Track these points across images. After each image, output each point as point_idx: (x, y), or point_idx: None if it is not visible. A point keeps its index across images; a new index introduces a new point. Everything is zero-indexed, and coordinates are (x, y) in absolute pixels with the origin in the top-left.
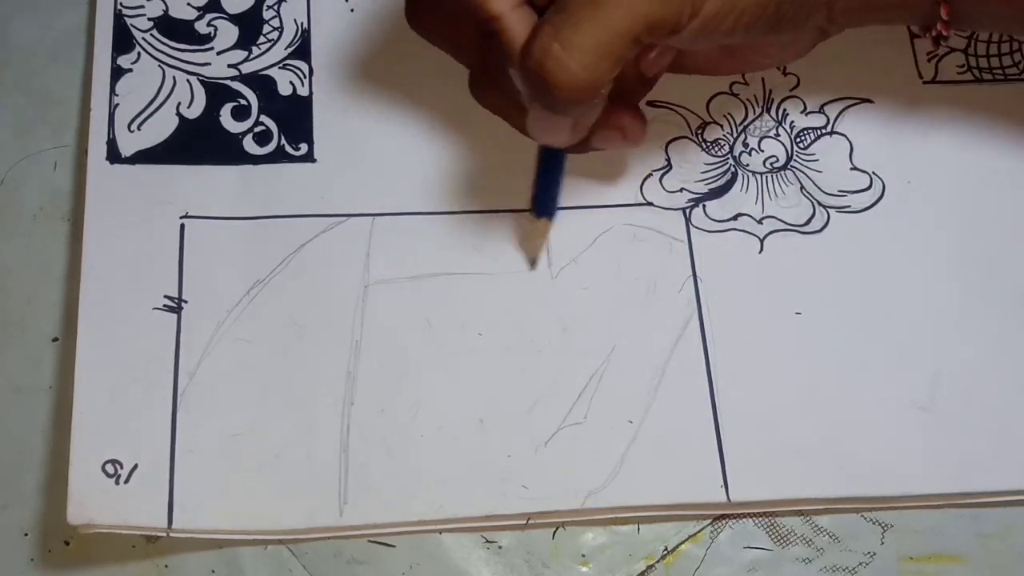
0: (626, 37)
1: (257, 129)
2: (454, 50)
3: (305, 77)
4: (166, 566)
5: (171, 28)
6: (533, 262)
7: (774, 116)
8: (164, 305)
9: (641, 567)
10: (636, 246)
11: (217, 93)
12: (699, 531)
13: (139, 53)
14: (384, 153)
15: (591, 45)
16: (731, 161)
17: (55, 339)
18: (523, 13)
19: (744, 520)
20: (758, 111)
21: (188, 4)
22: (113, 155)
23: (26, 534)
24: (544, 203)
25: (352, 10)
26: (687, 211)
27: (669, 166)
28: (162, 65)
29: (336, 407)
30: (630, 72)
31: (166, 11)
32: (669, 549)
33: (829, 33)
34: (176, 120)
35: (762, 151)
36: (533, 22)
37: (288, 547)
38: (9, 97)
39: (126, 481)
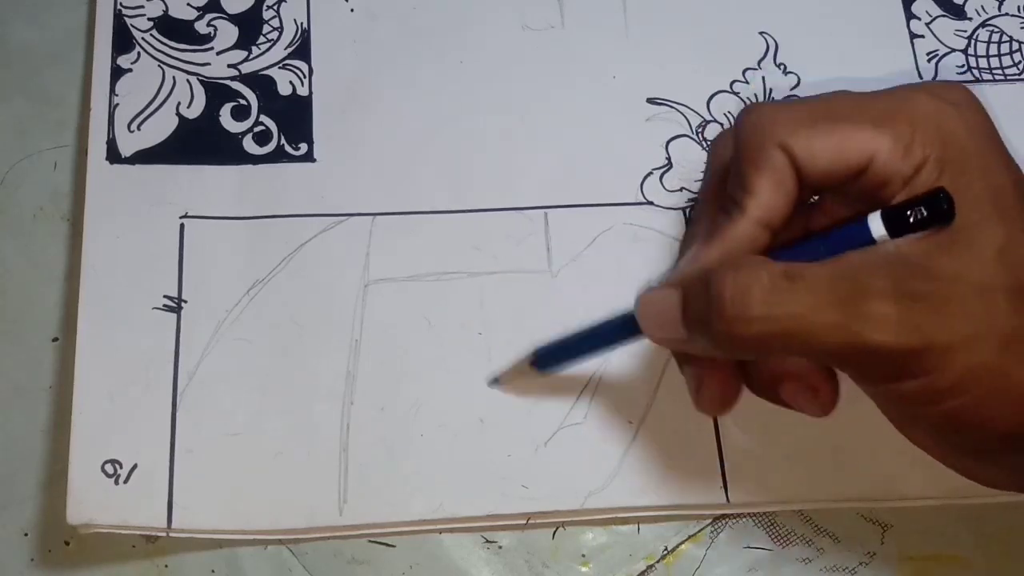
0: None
1: (257, 129)
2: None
3: (305, 77)
4: (166, 566)
5: (171, 28)
6: (495, 382)
7: None
8: (164, 305)
9: (641, 567)
10: (636, 246)
11: (217, 93)
12: (699, 531)
13: (139, 53)
14: (384, 153)
15: (784, 315)
16: None
17: (55, 339)
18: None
19: (744, 520)
20: None
21: (188, 4)
22: (113, 155)
23: (26, 534)
24: (556, 363)
25: (352, 10)
26: (687, 211)
27: (669, 165)
28: (162, 65)
29: (336, 406)
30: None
31: (166, 11)
32: (669, 549)
33: None
34: (176, 120)
35: None
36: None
37: (288, 547)
38: (9, 97)
39: (126, 481)
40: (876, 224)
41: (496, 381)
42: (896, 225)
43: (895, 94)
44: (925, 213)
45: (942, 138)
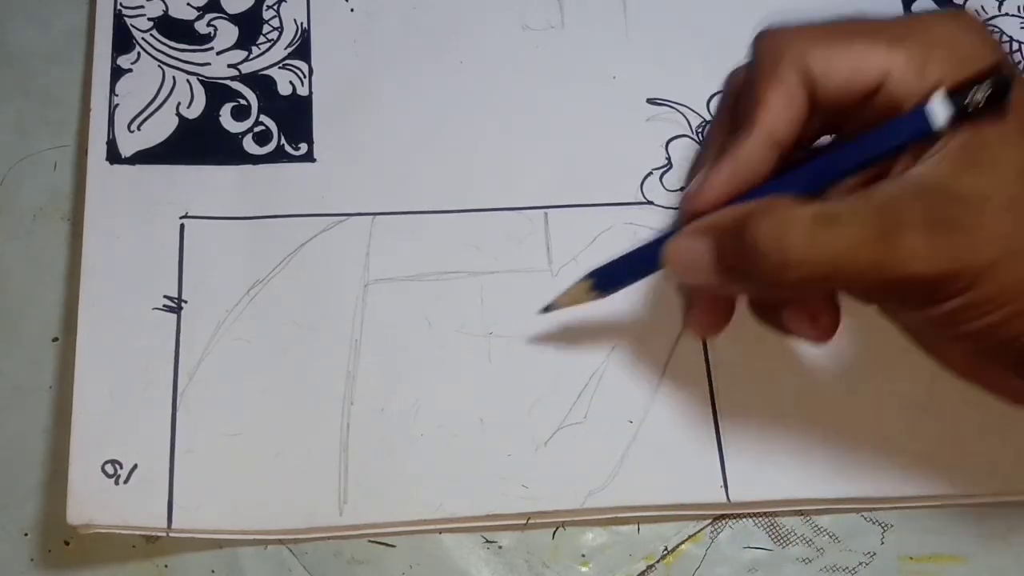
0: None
1: (257, 129)
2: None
3: (305, 77)
4: (166, 566)
5: (171, 28)
6: (547, 308)
7: None
8: (164, 305)
9: (641, 567)
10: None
11: (217, 93)
12: (699, 531)
13: (139, 53)
14: (384, 153)
15: (823, 257)
16: None
17: (55, 339)
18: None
19: (744, 520)
20: None
21: (188, 4)
22: (113, 155)
23: (26, 534)
24: (615, 283)
25: (352, 10)
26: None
27: (669, 165)
28: (162, 65)
29: (336, 406)
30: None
31: (166, 11)
32: (669, 549)
33: None
34: (176, 120)
35: None
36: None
37: (288, 547)
38: (9, 97)
39: (126, 481)
40: (939, 106)
41: (549, 307)
42: (958, 103)
43: (910, 18)
44: (990, 89)
45: (956, 59)
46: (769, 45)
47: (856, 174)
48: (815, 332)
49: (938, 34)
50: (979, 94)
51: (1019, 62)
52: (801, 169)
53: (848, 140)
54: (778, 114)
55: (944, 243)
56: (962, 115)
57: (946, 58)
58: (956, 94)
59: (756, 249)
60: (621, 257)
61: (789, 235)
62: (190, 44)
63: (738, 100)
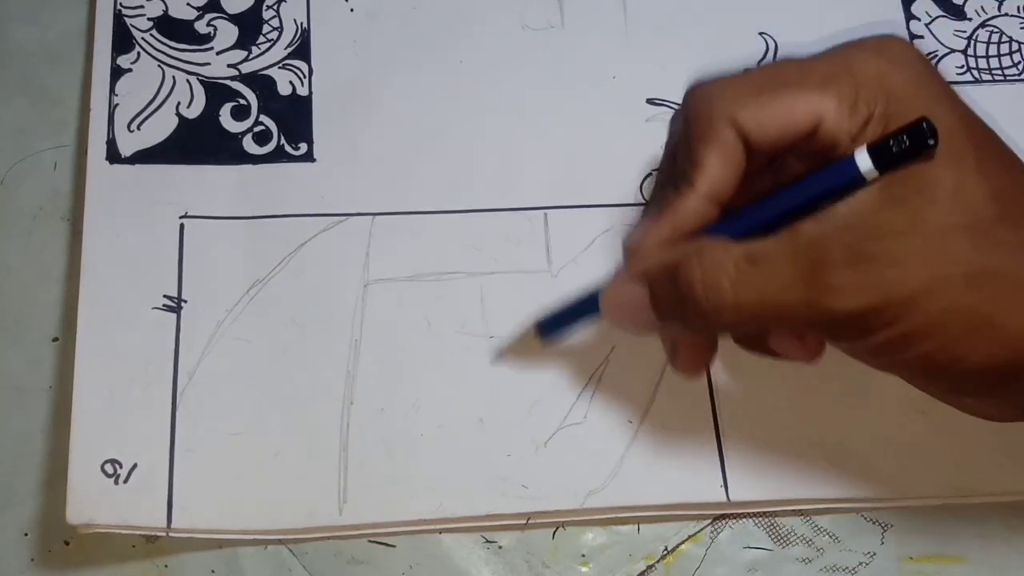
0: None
1: (257, 129)
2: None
3: (305, 77)
4: (166, 566)
5: (171, 28)
6: (499, 358)
7: None
8: (164, 305)
9: (641, 567)
10: None
11: (217, 93)
12: (699, 531)
13: (139, 53)
14: (384, 153)
15: (753, 298)
16: None
17: (55, 339)
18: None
19: (744, 520)
20: None
21: (188, 4)
22: (113, 155)
23: (26, 534)
24: (558, 330)
25: (352, 10)
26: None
27: None
28: (162, 65)
29: (336, 406)
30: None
31: (166, 11)
32: (669, 549)
33: None
34: (176, 120)
35: None
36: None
37: (288, 547)
38: (9, 97)
39: (125, 481)
40: (863, 158)
41: (500, 357)
42: (882, 158)
43: (837, 56)
44: (907, 143)
45: (885, 94)
46: (700, 102)
47: (793, 219)
48: (804, 352)
49: (866, 71)
50: (896, 148)
51: (1019, 63)
52: (737, 216)
53: (784, 185)
54: (716, 174)
55: (866, 278)
56: (889, 162)
57: (875, 95)
58: (879, 147)
59: (689, 294)
60: (563, 306)
61: (720, 279)
62: (190, 44)
63: (677, 150)
